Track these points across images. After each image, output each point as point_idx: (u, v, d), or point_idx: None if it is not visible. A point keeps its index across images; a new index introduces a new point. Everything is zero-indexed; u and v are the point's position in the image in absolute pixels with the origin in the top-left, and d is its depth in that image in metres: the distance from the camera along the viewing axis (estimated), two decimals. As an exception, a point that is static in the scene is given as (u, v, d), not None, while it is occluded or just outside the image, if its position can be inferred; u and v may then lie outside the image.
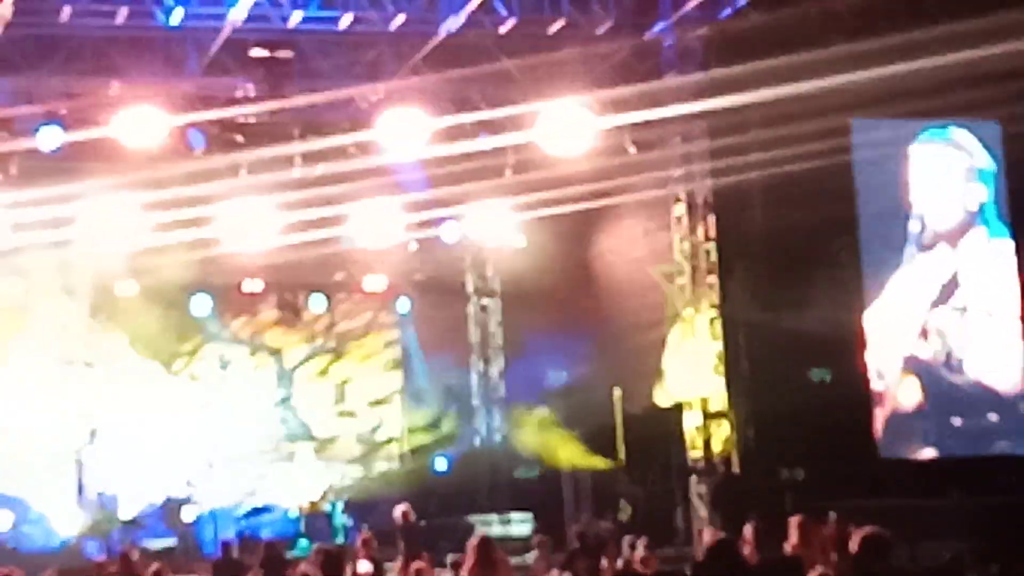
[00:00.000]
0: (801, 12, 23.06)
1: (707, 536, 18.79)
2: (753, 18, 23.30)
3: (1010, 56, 20.91)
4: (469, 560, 19.39)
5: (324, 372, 31.72)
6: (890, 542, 10.24)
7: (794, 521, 17.27)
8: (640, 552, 18.02)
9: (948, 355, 25.62)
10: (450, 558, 19.65)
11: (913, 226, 25.75)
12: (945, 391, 25.49)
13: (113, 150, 23.95)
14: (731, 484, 25.09)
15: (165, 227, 26.93)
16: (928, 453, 25.34)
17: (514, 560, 20.78)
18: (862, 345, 25.50)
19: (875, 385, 25.40)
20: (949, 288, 25.81)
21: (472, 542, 19.82)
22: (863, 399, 25.32)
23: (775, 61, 22.30)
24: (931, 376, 25.49)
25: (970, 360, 25.62)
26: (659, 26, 23.61)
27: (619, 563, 18.13)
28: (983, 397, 25.54)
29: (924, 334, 25.60)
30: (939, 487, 24.50)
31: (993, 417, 25.54)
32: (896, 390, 25.37)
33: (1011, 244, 26.07)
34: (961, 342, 25.68)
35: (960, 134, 26.00)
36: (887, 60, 22.87)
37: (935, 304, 25.70)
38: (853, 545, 10.32)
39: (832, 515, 19.55)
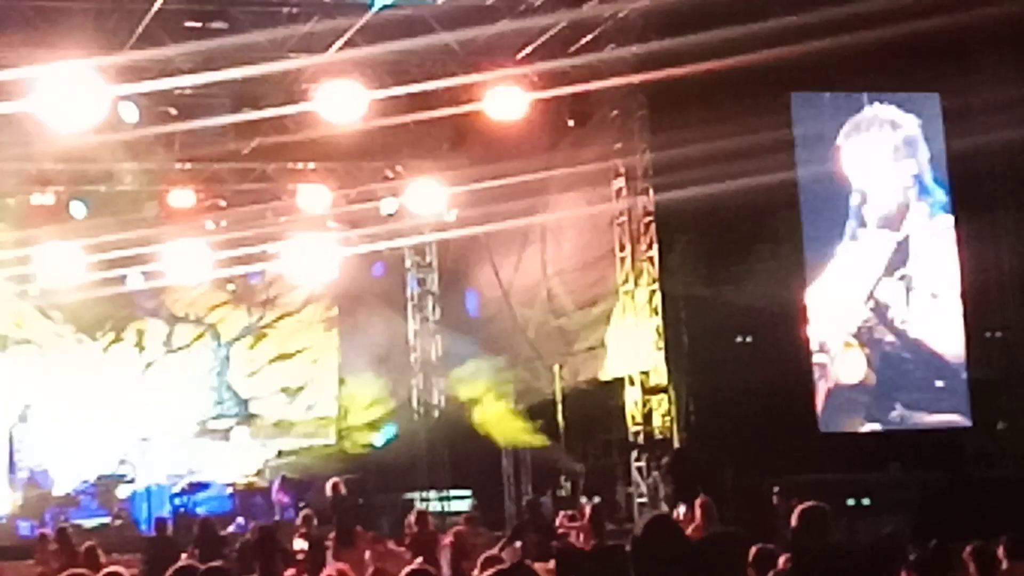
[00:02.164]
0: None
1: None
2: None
3: (948, 28, 20.87)
4: (409, 534, 19.39)
5: (261, 348, 31.48)
6: (829, 516, 10.14)
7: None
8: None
9: (893, 328, 25.58)
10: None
11: (854, 200, 25.70)
12: (889, 364, 25.44)
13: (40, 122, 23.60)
14: (685, 458, 24.98)
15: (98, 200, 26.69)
16: (870, 426, 25.30)
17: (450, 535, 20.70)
18: (803, 319, 25.44)
19: (818, 359, 25.33)
20: (893, 263, 25.77)
21: (410, 518, 19.87)
22: (805, 373, 25.26)
23: (714, 33, 22.19)
24: (875, 349, 25.44)
25: (914, 331, 25.58)
26: (598, -3, 23.42)
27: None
28: (928, 365, 25.50)
29: (869, 308, 25.55)
30: (879, 461, 24.50)
31: (939, 383, 25.50)
32: (840, 364, 25.32)
33: (951, 219, 26.04)
34: (905, 315, 25.63)
35: (886, 111, 25.91)
36: (827, 33, 22.80)
37: (880, 279, 25.65)
38: (792, 519, 10.22)
39: (775, 489, 19.58)
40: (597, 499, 24.25)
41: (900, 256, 25.76)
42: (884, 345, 25.50)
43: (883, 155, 25.95)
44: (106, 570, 11.33)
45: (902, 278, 25.71)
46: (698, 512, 17.36)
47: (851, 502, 22.79)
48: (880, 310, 25.55)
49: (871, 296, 25.59)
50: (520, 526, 20.22)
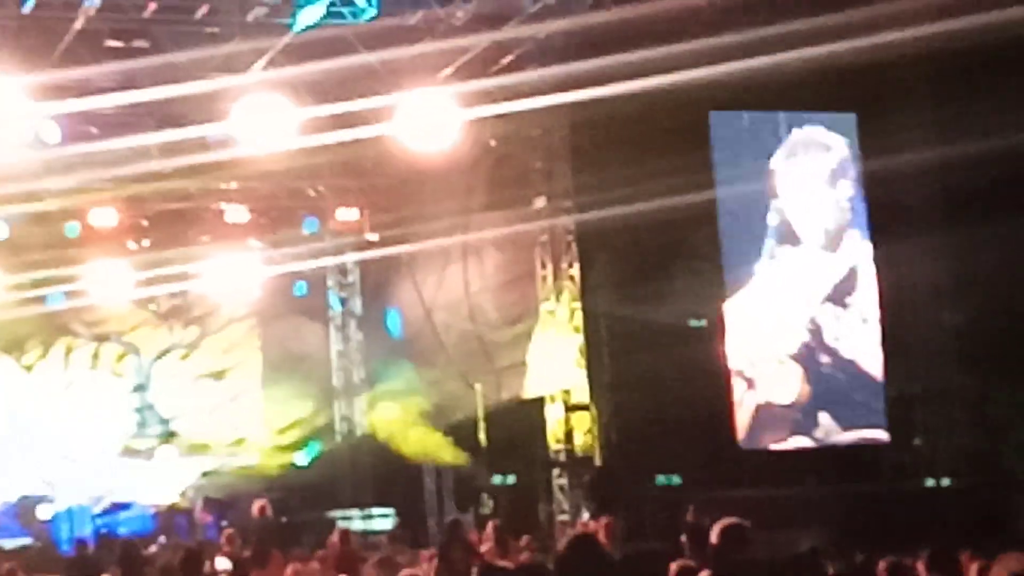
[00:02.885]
0: (662, 5, 23.14)
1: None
2: (614, 11, 23.32)
3: (866, 49, 21.14)
4: (332, 553, 19.44)
5: (183, 367, 31.35)
6: (749, 532, 10.28)
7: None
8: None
9: (827, 349, 25.79)
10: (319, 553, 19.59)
11: (771, 219, 25.94)
12: (820, 383, 25.63)
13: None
14: (605, 477, 25.20)
15: (20, 219, 26.54)
16: (793, 442, 25.48)
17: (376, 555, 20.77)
18: (723, 337, 25.63)
19: (743, 374, 25.49)
20: (838, 289, 26.00)
21: (333, 537, 19.92)
22: (725, 390, 25.45)
23: (635, 54, 22.36)
24: (811, 369, 25.62)
25: (846, 351, 25.81)
26: (519, 18, 23.54)
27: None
28: (856, 384, 25.73)
29: (807, 329, 25.76)
30: (798, 476, 24.74)
31: (864, 401, 25.74)
32: (772, 382, 25.48)
33: (869, 240, 26.32)
34: (838, 335, 25.86)
35: (819, 132, 26.20)
36: (747, 53, 23.02)
37: (821, 302, 25.87)
38: (713, 536, 10.35)
39: (690, 508, 19.72)
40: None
41: (846, 282, 25.98)
42: (819, 365, 25.73)
43: (818, 178, 26.20)
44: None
45: (843, 303, 25.95)
46: (601, 532, 17.45)
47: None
48: (817, 331, 25.79)
49: (801, 319, 25.81)
50: (445, 545, 20.25)
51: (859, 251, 26.21)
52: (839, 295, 26.02)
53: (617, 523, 17.47)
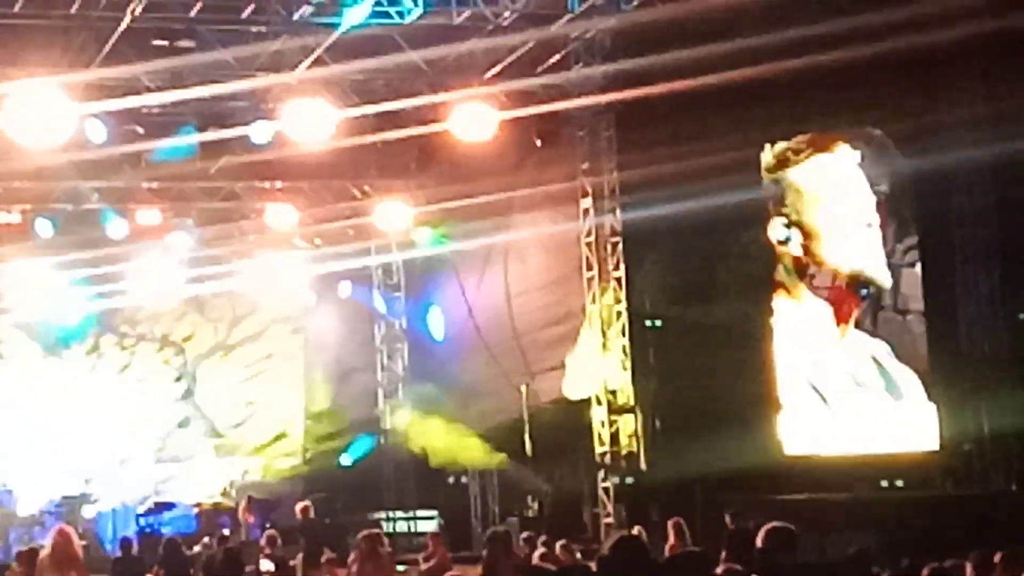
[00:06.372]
0: (708, 4, 22.96)
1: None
2: (660, 9, 23.16)
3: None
4: (356, 555, 19.36)
5: (227, 367, 31.33)
6: (796, 536, 10.12)
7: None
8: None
9: (866, 349, 25.50)
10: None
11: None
12: (860, 385, 25.31)
13: (6, 140, 23.55)
14: (637, 480, 25.05)
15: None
16: (837, 448, 25.20)
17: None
18: (771, 338, 25.40)
19: (786, 378, 25.23)
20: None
21: (359, 538, 19.86)
22: (772, 392, 25.22)
23: (681, 53, 22.22)
24: (848, 370, 25.33)
25: (884, 351, 25.49)
26: (566, 17, 23.42)
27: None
28: (895, 387, 25.39)
29: (836, 331, 25.45)
30: (847, 482, 24.47)
31: (905, 405, 25.40)
32: (811, 384, 25.19)
33: (915, 239, 25.99)
34: (877, 335, 25.52)
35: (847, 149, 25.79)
36: (794, 52, 22.79)
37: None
38: (759, 540, 10.19)
39: (730, 512, 19.56)
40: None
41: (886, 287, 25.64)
42: (857, 366, 25.43)
43: (852, 198, 25.80)
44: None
45: (878, 300, 25.61)
46: (671, 532, 17.48)
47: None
48: (853, 332, 25.48)
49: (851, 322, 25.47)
50: (489, 560, 20.11)
51: (904, 255, 25.85)
52: (879, 299, 25.66)
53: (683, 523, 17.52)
